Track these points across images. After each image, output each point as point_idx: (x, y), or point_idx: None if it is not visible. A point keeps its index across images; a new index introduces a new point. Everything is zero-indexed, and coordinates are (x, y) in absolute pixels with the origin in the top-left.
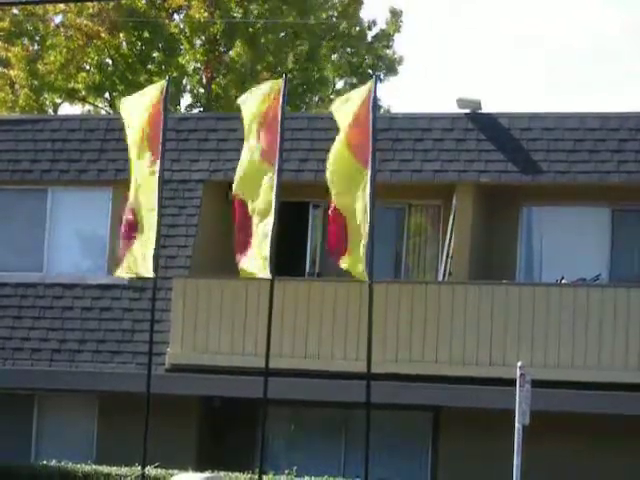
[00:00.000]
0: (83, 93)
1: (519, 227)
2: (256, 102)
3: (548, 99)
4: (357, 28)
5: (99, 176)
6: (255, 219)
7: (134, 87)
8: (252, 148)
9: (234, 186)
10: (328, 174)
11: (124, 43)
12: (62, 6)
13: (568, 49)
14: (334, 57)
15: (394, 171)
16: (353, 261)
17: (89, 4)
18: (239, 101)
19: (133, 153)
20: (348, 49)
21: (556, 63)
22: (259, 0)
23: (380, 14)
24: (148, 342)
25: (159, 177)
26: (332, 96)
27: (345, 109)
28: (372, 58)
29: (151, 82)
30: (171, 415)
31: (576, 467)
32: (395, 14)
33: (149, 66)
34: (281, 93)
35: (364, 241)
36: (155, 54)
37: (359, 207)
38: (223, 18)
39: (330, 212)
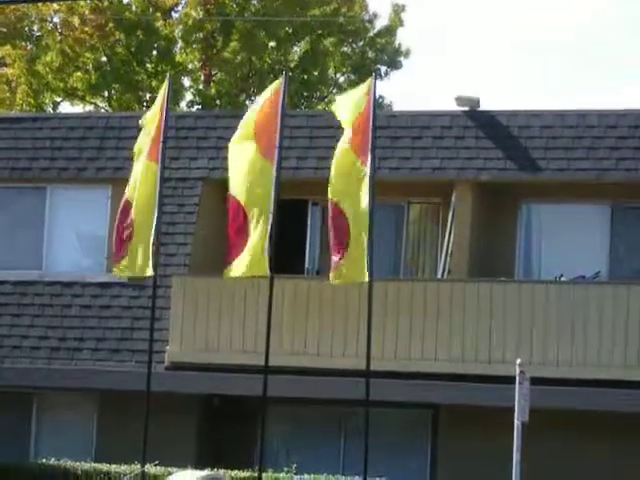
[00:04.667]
0: (81, 93)
1: (518, 224)
2: (259, 102)
3: (547, 96)
4: (361, 23)
5: (98, 174)
6: (254, 217)
7: (131, 86)
8: (252, 145)
9: (231, 185)
10: (332, 174)
11: (118, 43)
12: (56, 6)
13: (567, 46)
14: (336, 54)
15: (393, 169)
16: (351, 264)
17: (82, 4)
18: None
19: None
20: (352, 44)
21: (555, 60)
22: None
23: (382, 8)
24: (147, 340)
25: (159, 175)
26: (334, 91)
27: (346, 107)
28: (375, 53)
29: (148, 81)
30: (170, 413)
31: (576, 464)
32: (397, 10)
33: (146, 65)
34: (281, 90)
35: (365, 241)
36: (151, 53)
37: (359, 205)
38: (219, 15)
39: (331, 212)
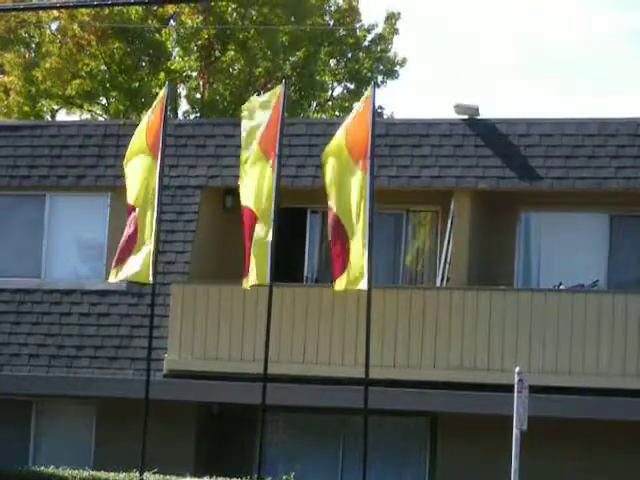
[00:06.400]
0: (79, 101)
1: (517, 233)
2: (256, 110)
3: (547, 99)
4: (356, 33)
5: (97, 182)
6: (256, 226)
7: (127, 94)
8: (254, 155)
9: (242, 196)
10: (327, 180)
11: (116, 51)
12: (56, 13)
13: (567, 54)
14: (332, 62)
15: (392, 177)
16: (352, 274)
17: (82, 11)
18: (243, 114)
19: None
20: (348, 54)
21: (555, 60)
22: (255, 6)
23: (379, 17)
24: (146, 348)
25: (158, 183)
26: (330, 102)
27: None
28: (370, 62)
29: (144, 88)
30: (169, 421)
31: (574, 473)
32: (391, 17)
33: (141, 73)
34: (281, 99)
35: (365, 249)
36: (145, 60)
37: (359, 213)
38: (216, 23)
39: (331, 222)
